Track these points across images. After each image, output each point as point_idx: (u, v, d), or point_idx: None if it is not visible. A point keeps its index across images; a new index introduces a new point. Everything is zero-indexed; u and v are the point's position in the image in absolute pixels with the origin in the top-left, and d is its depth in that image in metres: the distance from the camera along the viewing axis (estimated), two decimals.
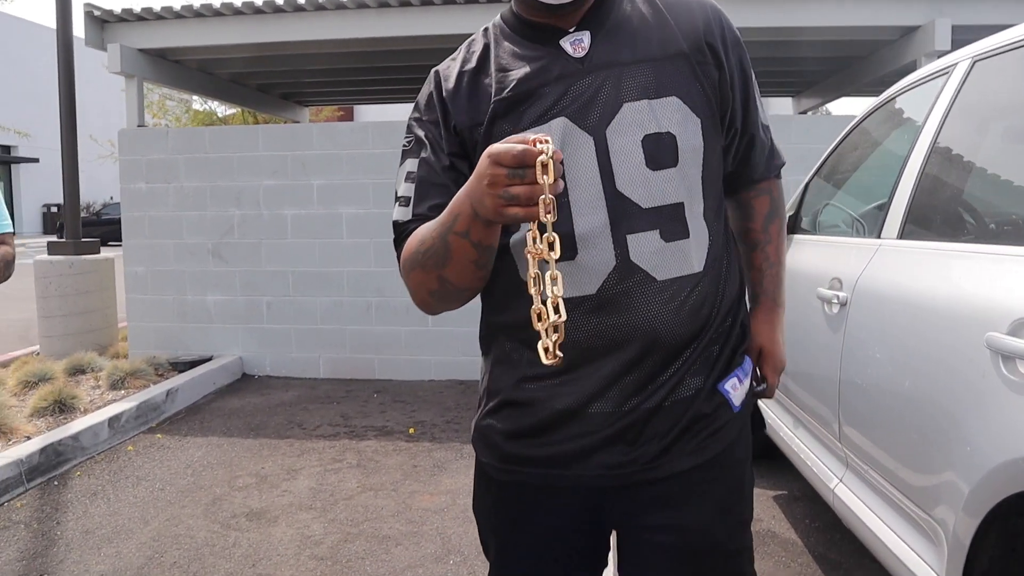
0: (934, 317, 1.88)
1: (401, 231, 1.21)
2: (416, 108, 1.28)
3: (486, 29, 1.30)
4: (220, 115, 12.47)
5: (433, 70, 1.30)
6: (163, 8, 6.59)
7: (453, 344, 6.16)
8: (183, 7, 6.55)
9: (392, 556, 3.27)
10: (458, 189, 1.08)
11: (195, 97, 11.32)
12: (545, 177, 0.87)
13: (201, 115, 12.37)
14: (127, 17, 6.66)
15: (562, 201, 1.12)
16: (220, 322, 6.46)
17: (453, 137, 1.22)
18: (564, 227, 1.10)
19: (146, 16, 6.64)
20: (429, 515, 3.67)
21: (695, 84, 1.19)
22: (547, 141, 0.88)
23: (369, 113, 21.46)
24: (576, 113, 1.16)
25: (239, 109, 10.78)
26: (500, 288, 1.22)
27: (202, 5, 6.57)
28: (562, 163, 0.93)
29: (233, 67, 8.10)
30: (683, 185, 1.17)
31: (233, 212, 6.37)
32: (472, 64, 1.25)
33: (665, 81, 1.17)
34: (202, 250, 6.44)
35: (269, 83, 9.28)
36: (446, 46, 6.84)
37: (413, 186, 1.22)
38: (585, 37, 1.20)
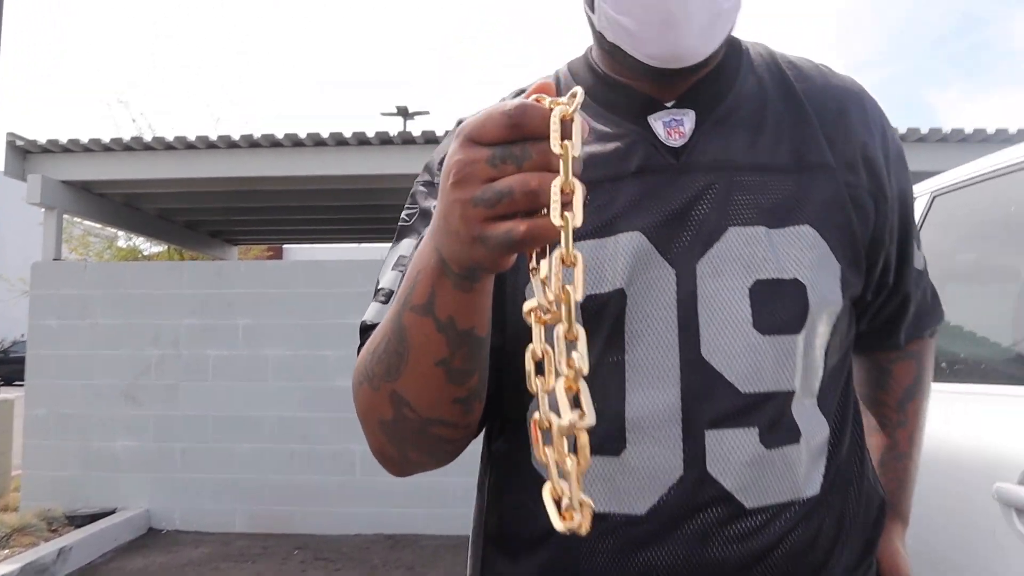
0: (943, 464, 1.73)
1: (367, 338, 0.82)
2: (427, 169, 0.90)
3: (555, 77, 0.92)
4: (145, 252, 12.14)
5: (460, 118, 0.89)
6: (91, 140, 6.40)
7: (382, 495, 5.77)
8: (112, 140, 6.39)
9: None
10: None
11: (120, 233, 11.02)
12: (568, 145, 0.50)
13: (124, 251, 12.01)
14: (51, 148, 6.45)
15: (610, 361, 0.78)
16: (128, 471, 5.95)
17: None
18: (609, 402, 0.77)
19: (72, 148, 6.44)
20: None
21: (840, 213, 0.82)
22: (553, 99, 0.53)
23: (299, 254, 21.33)
24: (656, 230, 0.79)
25: (165, 246, 10.50)
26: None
27: (132, 139, 6.43)
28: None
29: (160, 202, 7.90)
30: (804, 362, 0.80)
31: (150, 352, 6.00)
32: None
33: (798, 202, 0.81)
34: (113, 392, 6.00)
35: (197, 220, 9.08)
36: (382, 186, 6.84)
37: (401, 276, 0.82)
38: (688, 118, 0.83)
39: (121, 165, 6.53)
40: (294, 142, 6.37)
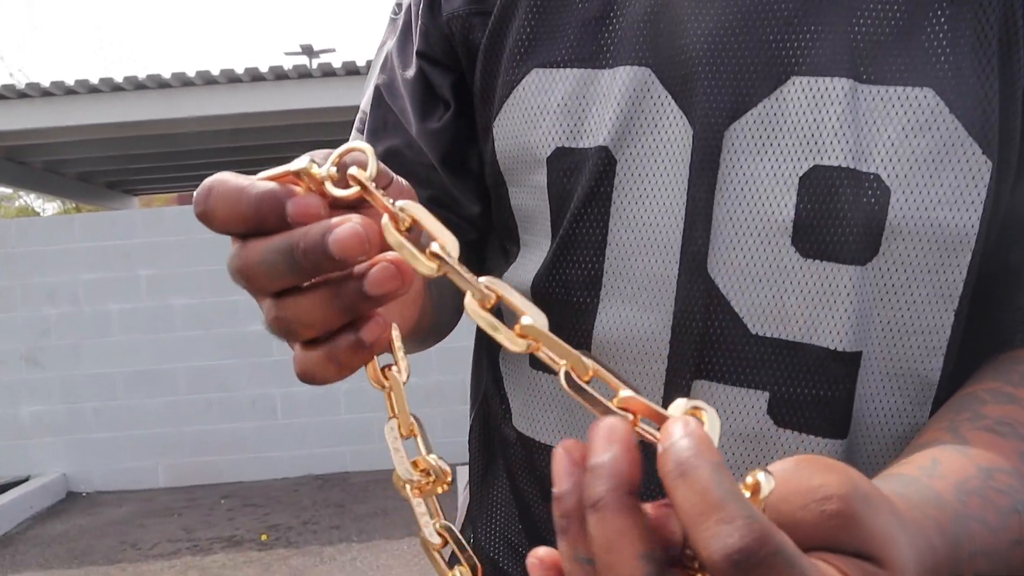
0: None
1: None
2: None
3: None
4: (38, 211, 11.53)
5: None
6: None
7: (307, 436, 5.70)
8: None
9: None
10: (423, 132, 0.65)
11: (7, 191, 10.44)
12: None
13: (16, 211, 11.39)
14: None
15: (581, 256, 0.59)
16: (37, 436, 5.72)
17: (435, 25, 0.65)
18: (574, 314, 0.59)
19: None
20: None
21: (998, 64, 0.51)
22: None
23: None
24: (674, 66, 0.55)
25: (60, 201, 9.99)
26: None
27: (3, 86, 5.99)
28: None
29: (45, 154, 7.44)
30: (873, 314, 0.53)
31: (48, 311, 5.71)
32: None
33: (919, 47, 0.51)
34: (13, 356, 5.71)
35: (90, 171, 8.61)
36: (284, 123, 6.57)
37: (371, 99, 0.70)
38: None
39: None
40: (183, 82, 6.03)
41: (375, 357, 0.39)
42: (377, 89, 0.71)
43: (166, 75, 6.00)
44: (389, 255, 0.37)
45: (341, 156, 0.38)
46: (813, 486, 0.31)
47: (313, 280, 0.38)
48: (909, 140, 0.51)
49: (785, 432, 0.54)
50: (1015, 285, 0.55)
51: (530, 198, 0.62)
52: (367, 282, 0.36)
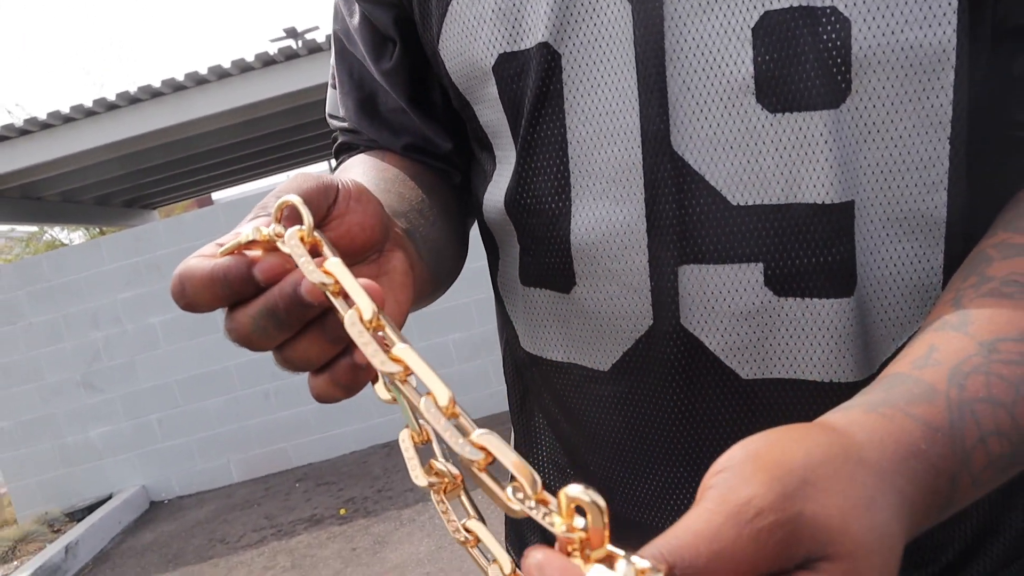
0: None
1: (336, 138, 0.75)
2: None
3: None
4: (66, 240, 11.73)
5: None
6: None
7: (366, 408, 5.79)
8: None
9: None
10: (381, 77, 0.66)
11: (33, 228, 10.61)
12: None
13: (45, 246, 11.60)
14: None
15: (546, 160, 0.57)
16: (111, 455, 5.89)
17: None
18: (550, 218, 0.58)
19: None
20: None
21: None
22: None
23: (230, 200, 20.79)
24: None
25: (82, 229, 10.14)
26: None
27: (3, 127, 6.04)
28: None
29: (58, 185, 7.52)
30: (857, 157, 0.49)
31: (95, 336, 5.84)
32: None
33: None
34: (70, 385, 5.87)
35: (105, 193, 8.71)
36: (282, 107, 6.55)
37: (336, 54, 0.72)
38: None
39: (2, 157, 6.16)
40: (174, 87, 6.02)
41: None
42: (337, 40, 0.71)
43: (156, 84, 6.00)
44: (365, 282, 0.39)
45: (280, 213, 0.41)
46: (741, 504, 0.29)
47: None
48: None
49: (788, 301, 0.51)
50: (1018, 98, 0.50)
51: (491, 112, 0.60)
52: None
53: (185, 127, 6.40)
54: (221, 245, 0.41)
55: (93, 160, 6.66)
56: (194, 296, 0.40)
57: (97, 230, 10.06)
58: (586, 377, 0.60)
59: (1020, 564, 0.56)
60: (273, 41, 22.31)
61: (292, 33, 22.31)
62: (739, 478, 0.30)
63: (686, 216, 0.52)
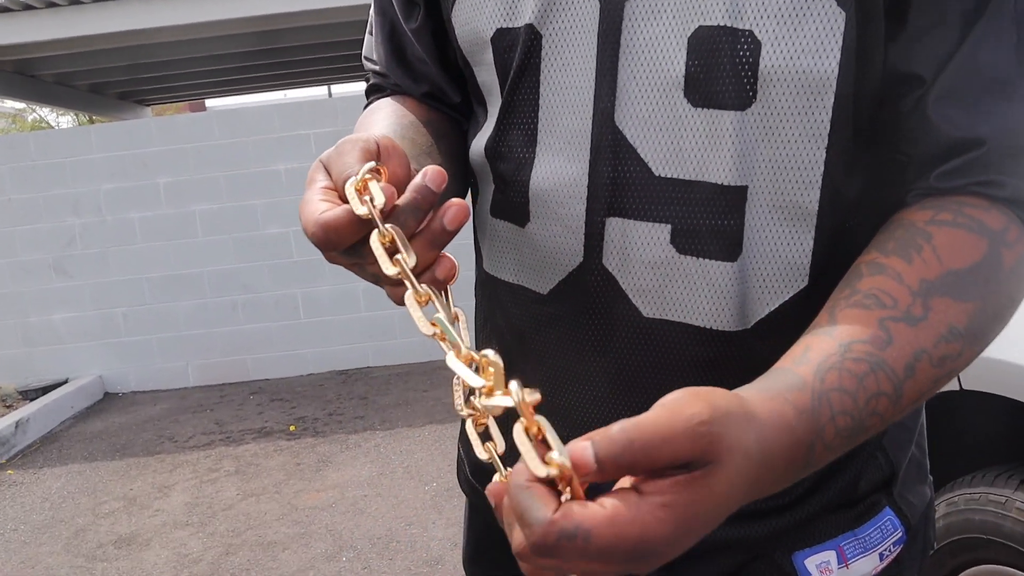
0: None
1: (369, 78, 0.87)
2: None
3: None
4: (52, 124, 11.58)
5: None
6: None
7: (330, 334, 5.90)
8: None
9: (280, 562, 3.05)
10: (409, 33, 0.78)
11: (20, 105, 10.47)
12: (371, 203, 0.51)
13: (31, 125, 11.45)
14: None
15: (522, 119, 0.69)
16: (72, 341, 5.96)
17: None
18: (516, 165, 0.70)
19: None
20: (316, 513, 3.46)
21: None
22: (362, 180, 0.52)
23: (223, 109, 20.56)
24: None
25: (73, 114, 10.04)
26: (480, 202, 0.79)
27: None
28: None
29: (56, 66, 7.45)
30: (755, 153, 0.61)
31: (72, 222, 5.86)
32: None
33: None
34: (42, 266, 5.90)
35: (101, 82, 8.63)
36: (293, 24, 6.53)
37: (375, 4, 0.83)
38: None
39: (1, 29, 6.10)
40: None
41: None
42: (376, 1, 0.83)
43: None
44: (455, 201, 0.53)
45: (364, 182, 0.53)
46: (689, 415, 0.41)
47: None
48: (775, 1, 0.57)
49: (686, 258, 0.63)
50: (899, 133, 0.60)
51: (486, 74, 0.72)
52: (447, 221, 0.52)
53: (188, 29, 6.36)
54: (327, 192, 0.54)
55: (94, 47, 6.61)
56: (339, 240, 0.52)
57: (87, 118, 9.96)
58: (529, 298, 0.72)
59: (845, 512, 0.71)
60: None
61: None
62: (686, 401, 0.42)
63: (618, 178, 0.64)
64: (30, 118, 11.54)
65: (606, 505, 0.40)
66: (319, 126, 5.76)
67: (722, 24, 0.58)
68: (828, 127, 0.59)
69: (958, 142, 0.57)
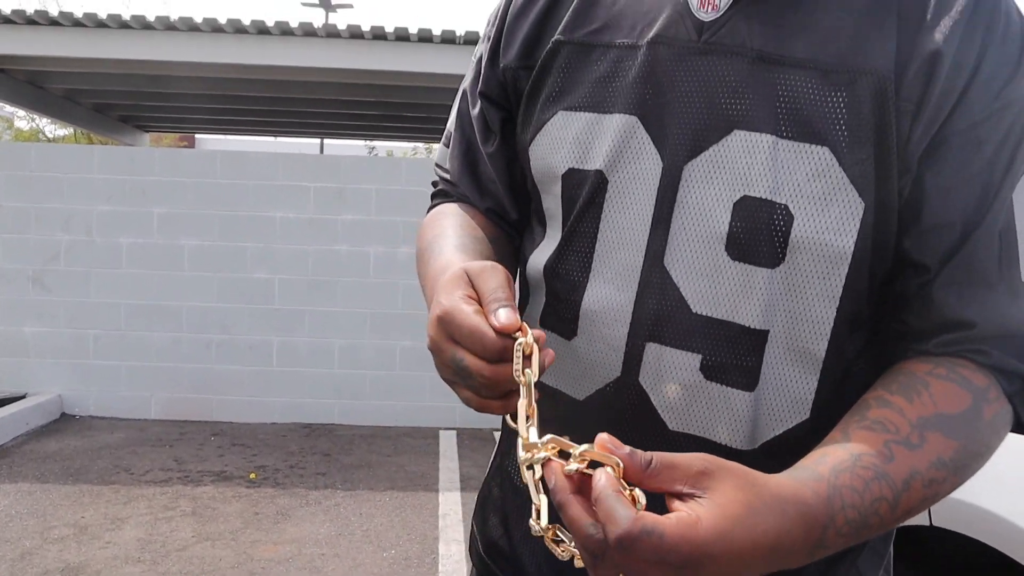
0: None
1: (437, 183, 0.97)
2: (488, 22, 0.92)
3: None
4: (49, 135, 11.56)
5: None
6: None
7: (300, 385, 5.90)
8: (13, 11, 6.04)
9: None
10: (484, 154, 0.89)
11: (20, 113, 10.49)
12: (527, 372, 0.61)
13: (26, 134, 11.43)
14: None
15: (581, 247, 0.80)
16: (38, 356, 5.88)
17: (494, 71, 0.88)
18: (572, 286, 0.80)
19: None
20: (272, 566, 3.44)
21: (882, 138, 0.69)
22: (523, 331, 0.61)
23: (212, 145, 20.64)
24: (655, 115, 0.75)
25: (72, 129, 10.07)
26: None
27: (36, 12, 6.09)
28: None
29: (67, 82, 7.54)
30: (778, 305, 0.72)
31: (60, 237, 5.86)
32: None
33: (825, 115, 0.69)
34: (21, 277, 5.86)
35: (107, 103, 8.71)
36: (302, 79, 6.71)
37: (455, 122, 0.94)
38: None
39: (23, 40, 6.19)
40: (213, 27, 6.14)
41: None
42: (460, 116, 0.94)
43: (197, 19, 6.11)
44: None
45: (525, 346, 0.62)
46: (700, 459, 0.56)
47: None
48: (810, 183, 0.70)
49: (711, 384, 0.74)
50: (903, 306, 0.73)
51: (552, 203, 0.84)
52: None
53: (203, 67, 6.50)
54: (470, 301, 0.64)
55: (106, 69, 6.71)
56: (488, 383, 0.62)
57: (84, 134, 10.00)
58: (564, 401, 0.81)
59: None
60: (305, 5, 22.41)
61: (325, 3, 22.42)
62: (702, 456, 0.56)
63: (661, 310, 0.75)
64: (27, 127, 11.54)
65: (672, 517, 0.52)
66: (320, 180, 5.88)
67: (764, 197, 0.70)
68: (840, 292, 0.71)
69: (954, 322, 0.70)
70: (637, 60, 0.76)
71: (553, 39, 0.81)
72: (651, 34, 0.75)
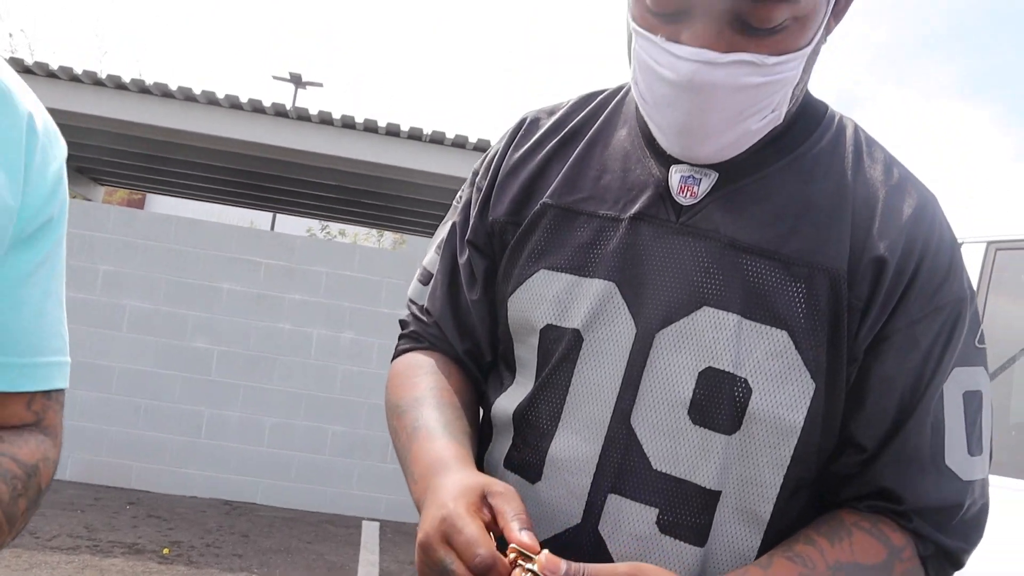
0: None
1: (408, 323, 0.99)
2: (484, 156, 0.98)
3: (626, 91, 0.92)
4: None
5: (525, 115, 0.96)
6: None
7: (226, 460, 5.78)
8: None
9: None
10: (466, 299, 0.92)
11: None
12: None
13: None
14: None
15: (552, 397, 0.85)
16: None
17: (482, 224, 0.93)
18: (540, 433, 0.85)
19: None
20: None
21: (835, 329, 0.78)
22: (536, 552, 0.66)
23: (162, 205, 20.47)
24: (632, 285, 0.82)
25: None
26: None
27: (10, 59, 6.12)
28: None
29: None
30: (731, 468, 0.79)
31: None
32: (566, 129, 0.91)
33: (785, 302, 0.78)
34: None
35: (71, 154, 8.64)
36: (267, 156, 6.81)
37: (437, 263, 0.97)
38: (706, 179, 0.82)
39: None
40: (185, 96, 6.25)
41: None
42: (444, 259, 0.97)
43: (172, 87, 6.21)
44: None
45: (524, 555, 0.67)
46: (627, 564, 0.67)
47: None
48: (769, 361, 0.77)
49: (665, 538, 0.79)
50: (844, 483, 0.82)
51: (527, 353, 0.88)
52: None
53: (175, 133, 6.56)
54: (476, 516, 0.69)
55: (71, 123, 6.73)
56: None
57: None
58: None
59: None
60: (276, 79, 22.71)
61: (296, 80, 22.74)
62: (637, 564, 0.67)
63: (624, 465, 0.80)
64: None
65: None
66: (272, 257, 5.92)
67: (726, 370, 0.78)
68: (789, 460, 0.79)
69: (887, 492, 0.80)
70: (619, 232, 0.83)
71: (542, 201, 0.87)
72: (633, 210, 0.83)
